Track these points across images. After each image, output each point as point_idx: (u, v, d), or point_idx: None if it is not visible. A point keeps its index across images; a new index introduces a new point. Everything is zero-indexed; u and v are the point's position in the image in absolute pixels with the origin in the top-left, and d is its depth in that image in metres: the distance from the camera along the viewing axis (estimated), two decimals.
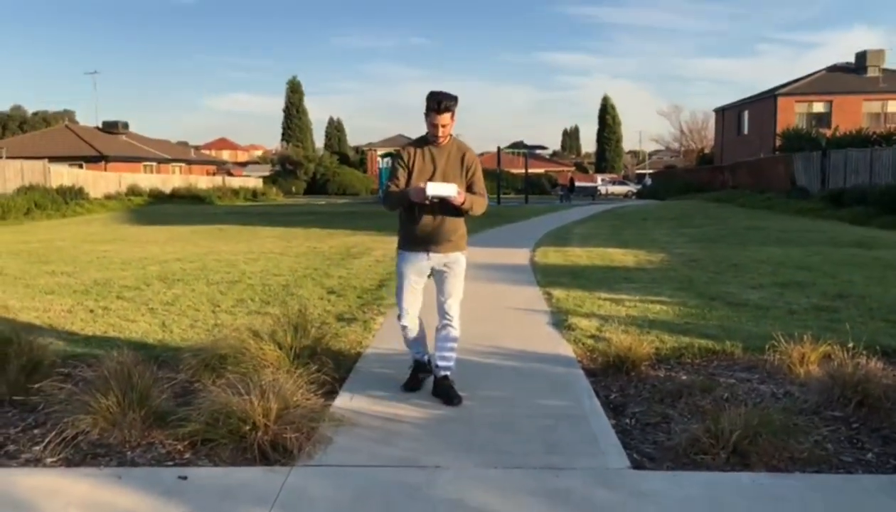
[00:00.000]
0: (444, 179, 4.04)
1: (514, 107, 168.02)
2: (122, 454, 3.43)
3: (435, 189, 3.90)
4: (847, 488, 3.05)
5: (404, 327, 4.31)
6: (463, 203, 4.02)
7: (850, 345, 4.44)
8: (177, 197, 36.29)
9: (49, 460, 3.36)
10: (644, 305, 6.98)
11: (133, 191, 33.83)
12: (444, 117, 3.99)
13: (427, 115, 4.02)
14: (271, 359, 4.38)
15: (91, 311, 6.93)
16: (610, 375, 4.66)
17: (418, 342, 4.41)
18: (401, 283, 4.28)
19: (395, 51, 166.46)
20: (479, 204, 4.16)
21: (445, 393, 4.16)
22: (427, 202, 4.00)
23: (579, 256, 11.40)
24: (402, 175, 4.13)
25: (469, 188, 4.15)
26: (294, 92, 70.04)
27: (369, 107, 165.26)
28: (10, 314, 6.69)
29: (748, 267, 9.69)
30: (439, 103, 3.96)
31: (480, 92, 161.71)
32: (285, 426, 3.43)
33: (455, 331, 4.27)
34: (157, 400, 3.75)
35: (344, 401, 4.09)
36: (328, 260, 10.92)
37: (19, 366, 4.23)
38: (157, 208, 29.58)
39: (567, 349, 5.27)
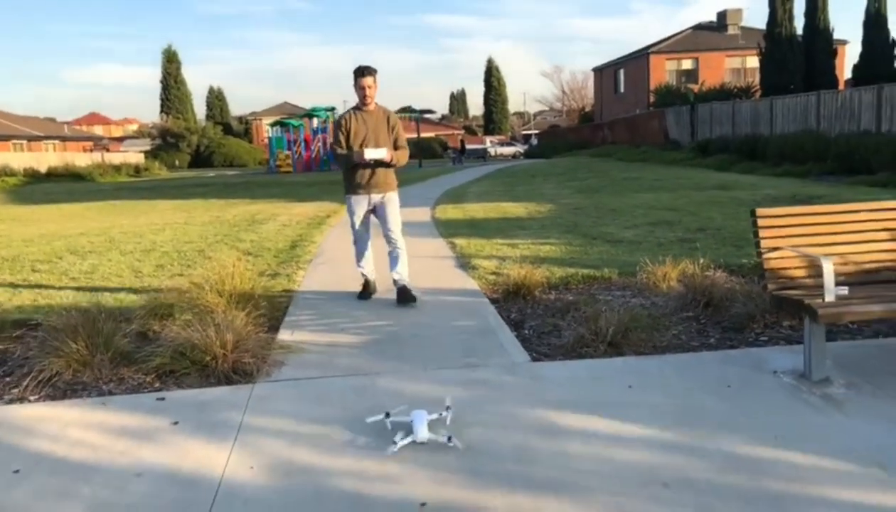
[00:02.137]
0: (376, 136, 5.40)
1: (401, 71, 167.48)
2: (98, 388, 3.91)
3: (371, 154, 5.28)
4: (692, 361, 3.99)
5: (358, 251, 5.65)
6: (391, 160, 5.43)
7: (702, 262, 5.45)
8: (54, 176, 34.70)
9: (32, 398, 3.81)
10: (536, 246, 7.88)
11: (5, 171, 32.17)
12: (368, 80, 5.28)
13: (355, 83, 5.31)
14: (213, 304, 4.91)
15: (11, 284, 7.10)
16: (510, 300, 5.48)
17: (368, 262, 5.73)
18: (352, 218, 5.58)
19: (275, 15, 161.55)
20: (403, 156, 5.56)
21: (407, 297, 5.45)
22: (368, 163, 5.34)
23: (476, 210, 12.25)
24: (342, 138, 5.43)
25: (395, 142, 5.50)
26: (170, 62, 67.05)
27: (251, 75, 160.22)
28: None
29: (625, 211, 10.84)
30: (362, 71, 5.29)
31: (366, 57, 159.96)
32: (242, 354, 4.02)
33: (402, 251, 5.58)
34: (120, 343, 4.23)
35: (286, 335, 4.70)
36: (235, 227, 11.25)
37: None
38: (37, 188, 28.26)
39: (473, 284, 6.07)
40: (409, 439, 3.04)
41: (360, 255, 5.72)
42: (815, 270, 3.58)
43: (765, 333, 4.43)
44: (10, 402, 3.80)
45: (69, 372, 4.01)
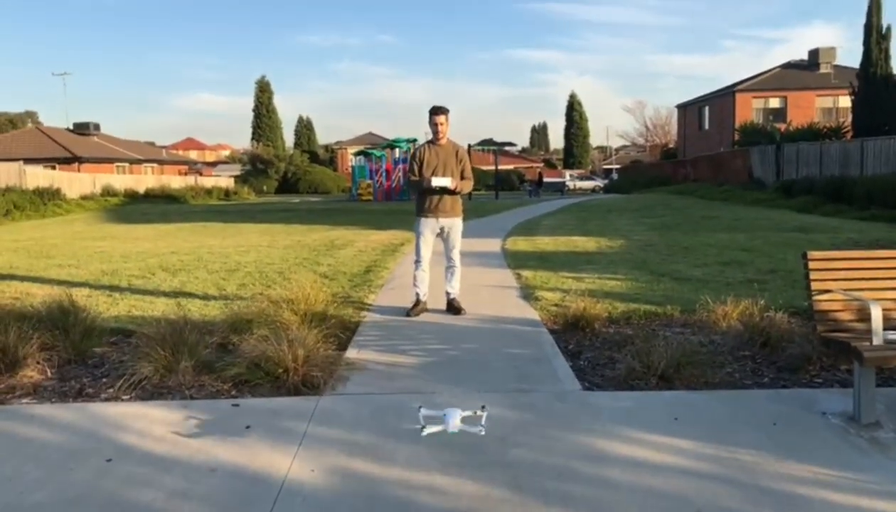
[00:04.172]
0: (444, 167, 6.17)
1: (484, 104, 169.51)
2: (181, 393, 4.30)
3: (437, 181, 6.09)
4: (741, 397, 4.06)
5: (419, 270, 6.30)
6: (456, 188, 6.16)
7: (762, 303, 5.48)
8: (151, 197, 36.70)
9: (125, 397, 4.23)
10: (602, 281, 7.99)
11: (108, 191, 34.19)
12: (440, 118, 6.10)
13: (430, 120, 6.16)
14: (289, 322, 5.27)
15: (110, 295, 7.73)
16: (569, 332, 5.64)
17: (424, 284, 6.33)
18: (419, 239, 6.34)
19: (363, 49, 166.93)
20: (467, 184, 6.31)
21: (455, 308, 6.29)
22: (434, 189, 6.10)
23: (546, 243, 12.41)
24: (416, 168, 6.28)
25: (461, 173, 6.26)
26: (263, 91, 70.20)
27: (338, 105, 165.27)
28: (38, 299, 7.45)
29: (697, 250, 10.78)
30: (436, 110, 6.12)
31: (450, 89, 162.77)
32: (311, 368, 4.34)
33: (457, 270, 6.40)
34: (203, 352, 4.63)
35: (353, 353, 5.01)
36: (315, 251, 11.77)
37: (79, 333, 5.07)
38: (134, 208, 30.02)
39: (534, 314, 6.25)
40: (440, 427, 3.30)
41: (418, 275, 6.32)
42: (865, 313, 3.62)
43: (820, 376, 4.45)
44: (106, 400, 4.23)
45: (157, 376, 4.43)
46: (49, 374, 4.64)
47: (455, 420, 3.30)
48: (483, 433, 3.26)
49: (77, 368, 4.81)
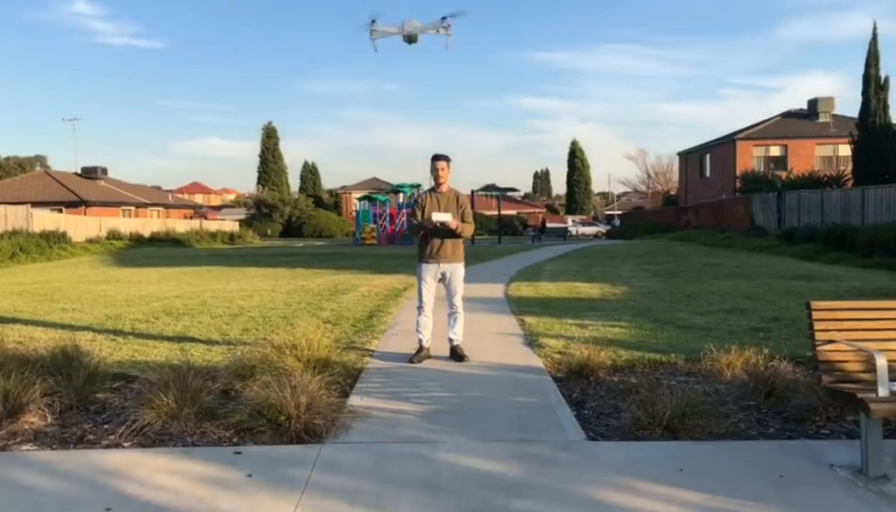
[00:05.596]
0: (444, 211, 6.25)
1: (487, 150, 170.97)
2: (183, 440, 4.28)
3: (437, 216, 6.17)
4: (747, 448, 4.03)
5: (421, 316, 6.36)
6: (456, 227, 6.22)
7: (767, 351, 5.47)
8: (156, 240, 36.94)
9: (126, 444, 4.21)
10: (605, 328, 7.97)
11: (113, 234, 34.42)
12: (442, 163, 6.33)
13: (431, 167, 6.39)
14: (291, 368, 5.26)
15: (113, 340, 7.73)
16: (573, 380, 5.61)
17: (427, 330, 6.37)
18: (420, 284, 6.40)
19: (369, 96, 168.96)
20: (468, 228, 6.40)
21: (458, 355, 6.30)
22: (434, 226, 6.14)
23: (549, 289, 12.41)
24: (418, 213, 6.43)
25: (462, 217, 6.35)
26: (270, 137, 71.28)
27: (343, 150, 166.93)
28: (42, 344, 7.45)
29: (700, 297, 10.77)
30: (437, 157, 6.36)
31: (453, 136, 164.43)
32: (314, 416, 4.32)
33: (460, 315, 6.42)
34: (205, 399, 4.62)
35: (356, 400, 4.99)
36: (318, 296, 11.78)
37: (82, 378, 5.05)
38: (139, 251, 30.15)
39: (538, 362, 6.23)
40: (395, 28, 3.33)
41: (420, 320, 6.38)
42: (871, 363, 3.61)
43: (826, 426, 4.41)
44: (108, 447, 4.21)
45: (159, 423, 4.40)
46: (50, 419, 4.62)
47: (412, 23, 3.34)
48: (447, 48, 3.32)
49: (79, 414, 4.79)
